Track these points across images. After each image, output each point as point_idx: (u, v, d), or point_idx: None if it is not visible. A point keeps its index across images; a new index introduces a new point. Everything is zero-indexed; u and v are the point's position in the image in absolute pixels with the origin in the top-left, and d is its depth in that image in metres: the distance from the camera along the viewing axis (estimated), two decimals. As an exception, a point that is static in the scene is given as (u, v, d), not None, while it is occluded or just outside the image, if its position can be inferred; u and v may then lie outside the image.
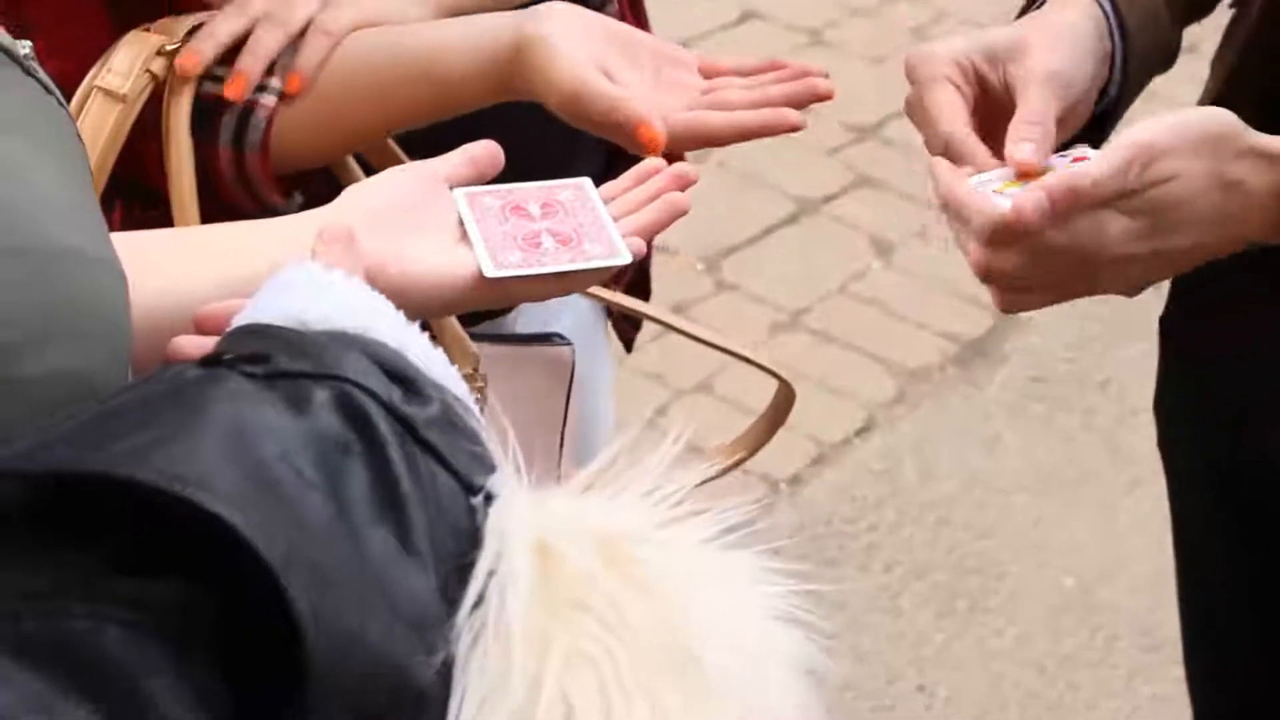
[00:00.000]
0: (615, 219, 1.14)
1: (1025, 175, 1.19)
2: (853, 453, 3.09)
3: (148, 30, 1.28)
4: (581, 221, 1.13)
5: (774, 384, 1.44)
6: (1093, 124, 1.34)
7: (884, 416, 3.16)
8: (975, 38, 1.29)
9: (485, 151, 1.15)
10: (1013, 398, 3.21)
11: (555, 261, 1.10)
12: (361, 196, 1.10)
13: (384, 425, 0.73)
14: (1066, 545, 2.93)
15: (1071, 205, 1.13)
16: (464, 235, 1.11)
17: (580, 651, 0.70)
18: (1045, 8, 1.32)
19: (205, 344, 0.87)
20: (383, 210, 1.08)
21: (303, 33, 1.29)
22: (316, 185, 1.31)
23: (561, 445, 1.35)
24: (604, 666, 0.69)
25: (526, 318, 1.45)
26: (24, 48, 0.93)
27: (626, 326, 1.66)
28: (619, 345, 1.75)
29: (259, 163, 1.27)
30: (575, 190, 1.16)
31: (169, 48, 1.27)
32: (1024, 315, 3.35)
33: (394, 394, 0.75)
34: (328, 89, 1.29)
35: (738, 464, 1.41)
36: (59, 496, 0.68)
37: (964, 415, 3.16)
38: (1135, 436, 3.10)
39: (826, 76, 1.27)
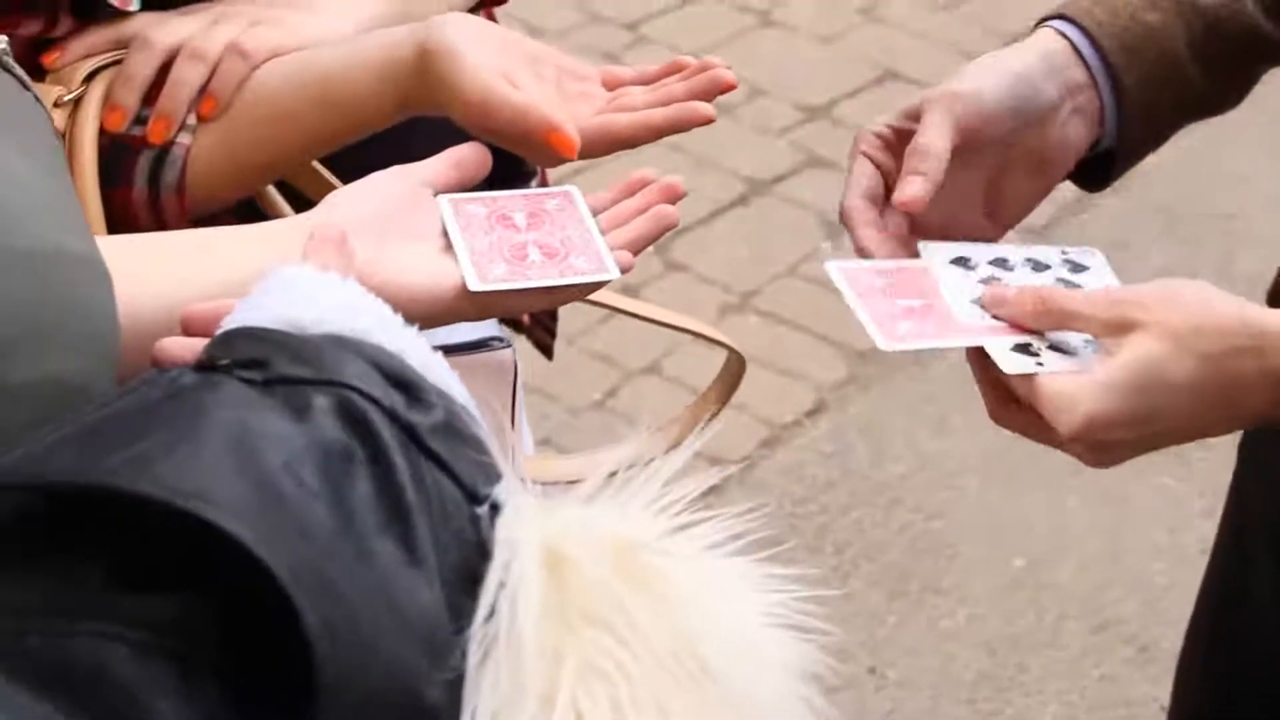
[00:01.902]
0: (604, 231, 1.12)
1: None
2: (803, 434, 3.08)
3: (41, 81, 1.22)
4: (569, 234, 1.11)
5: (722, 364, 1.43)
6: (1095, 163, 1.33)
7: (834, 398, 3.15)
8: (901, 103, 1.27)
9: (471, 155, 1.13)
10: (962, 379, 3.19)
11: (542, 276, 1.08)
12: (345, 203, 1.08)
13: (387, 432, 0.72)
14: (1016, 526, 2.94)
15: (1041, 304, 1.13)
16: (448, 245, 1.08)
17: (593, 665, 0.69)
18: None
19: (192, 345, 0.85)
20: (366, 217, 1.05)
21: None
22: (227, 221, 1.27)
23: (513, 448, 1.33)
24: (617, 680, 0.68)
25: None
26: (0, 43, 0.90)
27: (543, 333, 1.64)
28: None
29: (175, 204, 1.23)
30: (563, 199, 1.14)
31: (67, 98, 1.22)
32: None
33: (396, 400, 0.74)
34: (234, 119, 1.25)
35: (685, 436, 1.39)
36: (58, 509, 0.66)
37: (913, 397, 3.17)
38: (1084, 418, 3.11)
39: (728, 68, 1.25)
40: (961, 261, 1.20)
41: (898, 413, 3.14)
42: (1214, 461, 2.91)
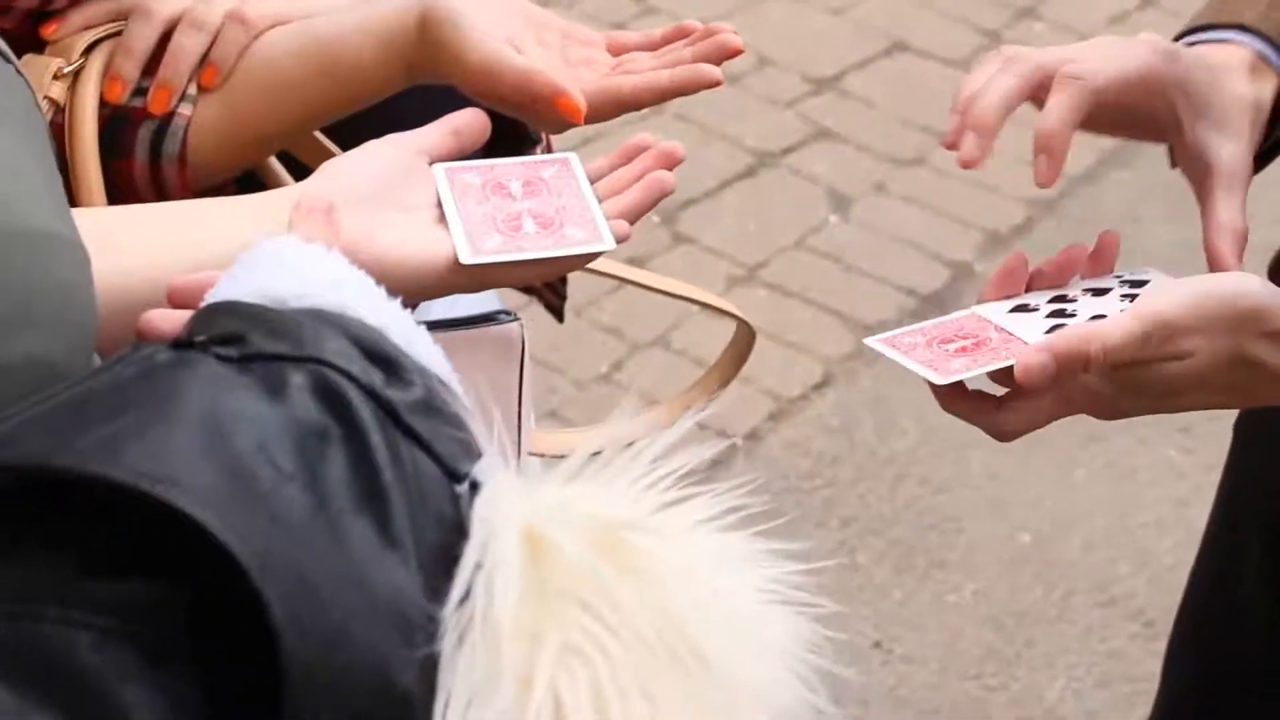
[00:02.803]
0: (601, 199, 1.11)
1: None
2: (810, 408, 3.07)
3: (40, 53, 1.21)
4: (565, 202, 1.09)
5: (729, 337, 1.41)
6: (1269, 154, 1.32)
7: (841, 371, 3.14)
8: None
9: (469, 121, 1.11)
10: (970, 353, 3.19)
11: (535, 247, 1.06)
12: (339, 172, 1.06)
13: (364, 410, 0.70)
14: (1023, 501, 2.93)
15: (1076, 369, 1.10)
16: (443, 215, 1.07)
17: (572, 647, 0.67)
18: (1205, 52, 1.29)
19: (178, 317, 0.84)
20: (360, 187, 1.04)
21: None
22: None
23: (520, 423, 1.32)
24: (598, 663, 0.67)
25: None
26: (-23, 12, 0.89)
27: (552, 296, 1.62)
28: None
29: (176, 174, 1.21)
30: (560, 166, 1.12)
31: (66, 70, 1.21)
32: (979, 268, 3.34)
33: (374, 377, 0.72)
34: (234, 89, 1.23)
35: (703, 403, 1.38)
36: (24, 491, 0.65)
37: (922, 370, 3.15)
38: (1093, 392, 3.09)
39: (735, 32, 1.24)
40: (1021, 309, 1.19)
41: (905, 386, 3.12)
42: (1222, 436, 2.89)
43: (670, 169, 1.14)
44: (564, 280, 1.64)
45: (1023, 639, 2.73)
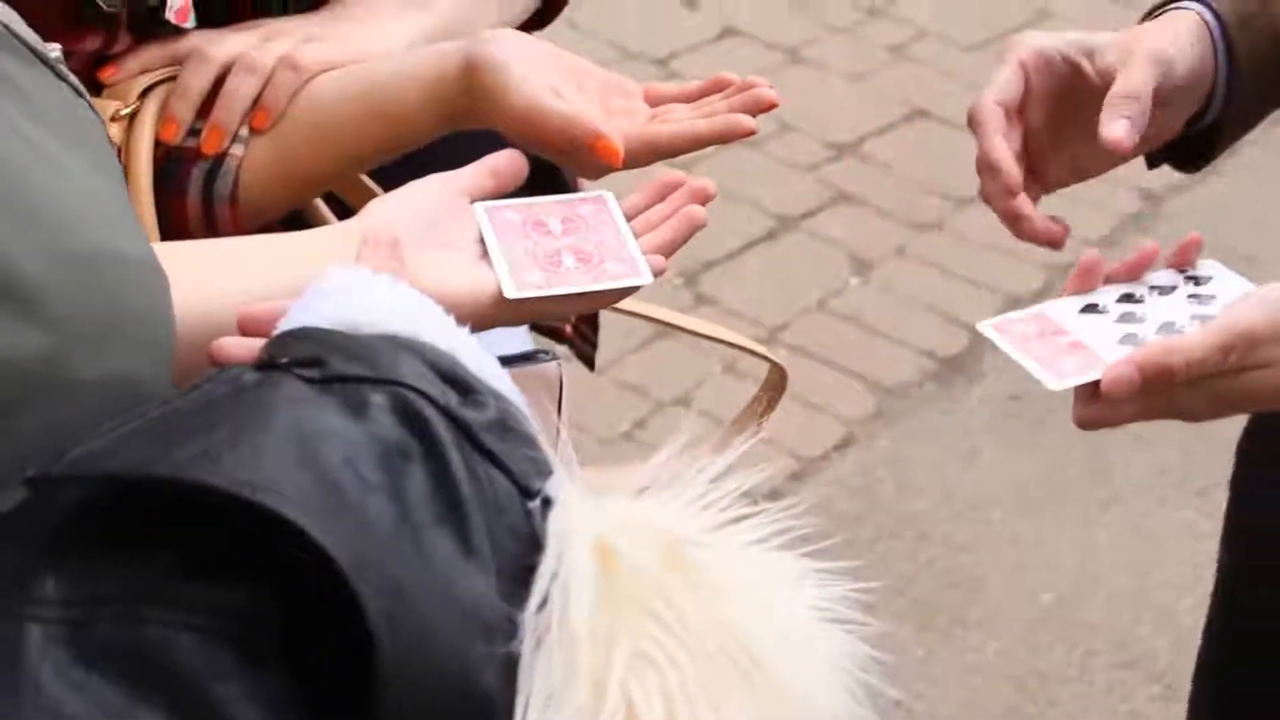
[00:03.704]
0: (636, 236, 1.14)
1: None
2: (831, 468, 3.09)
3: (98, 96, 1.24)
4: (603, 238, 1.13)
5: (750, 395, 1.44)
6: (1190, 140, 1.36)
7: (862, 432, 3.16)
8: (1078, 34, 1.32)
9: (507, 162, 1.15)
10: (990, 415, 3.22)
11: (576, 282, 1.10)
12: (385, 211, 1.09)
13: (442, 429, 0.73)
14: (1044, 561, 2.94)
15: (1162, 383, 1.14)
16: (484, 252, 1.10)
17: (643, 654, 0.70)
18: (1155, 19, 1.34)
19: (248, 344, 0.87)
20: (405, 225, 1.07)
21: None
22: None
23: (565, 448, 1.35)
24: (667, 670, 0.70)
25: None
26: (53, 51, 0.92)
27: (585, 346, 1.65)
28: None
29: (228, 214, 1.25)
30: (596, 204, 1.15)
31: (124, 112, 1.25)
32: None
33: (450, 398, 0.75)
34: (284, 132, 1.27)
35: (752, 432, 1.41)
36: (127, 500, 0.68)
37: (942, 431, 3.17)
38: (1113, 454, 3.11)
39: (771, 87, 1.27)
40: (1091, 309, 1.23)
41: (925, 447, 3.15)
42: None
43: (703, 204, 1.17)
44: (595, 329, 1.67)
45: (1045, 699, 2.74)
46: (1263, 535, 1.63)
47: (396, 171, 1.23)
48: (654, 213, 1.17)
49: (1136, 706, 2.74)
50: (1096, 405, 1.16)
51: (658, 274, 1.13)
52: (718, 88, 1.28)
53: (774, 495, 2.69)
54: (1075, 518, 3.01)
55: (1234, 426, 1.81)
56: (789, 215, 3.65)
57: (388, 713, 0.66)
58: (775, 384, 1.39)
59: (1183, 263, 1.27)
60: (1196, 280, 1.26)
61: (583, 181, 1.61)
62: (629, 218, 1.17)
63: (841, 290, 3.47)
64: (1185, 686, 2.76)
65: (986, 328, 1.22)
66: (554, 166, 1.32)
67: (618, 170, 1.22)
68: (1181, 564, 2.95)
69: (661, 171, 1.23)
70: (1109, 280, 1.25)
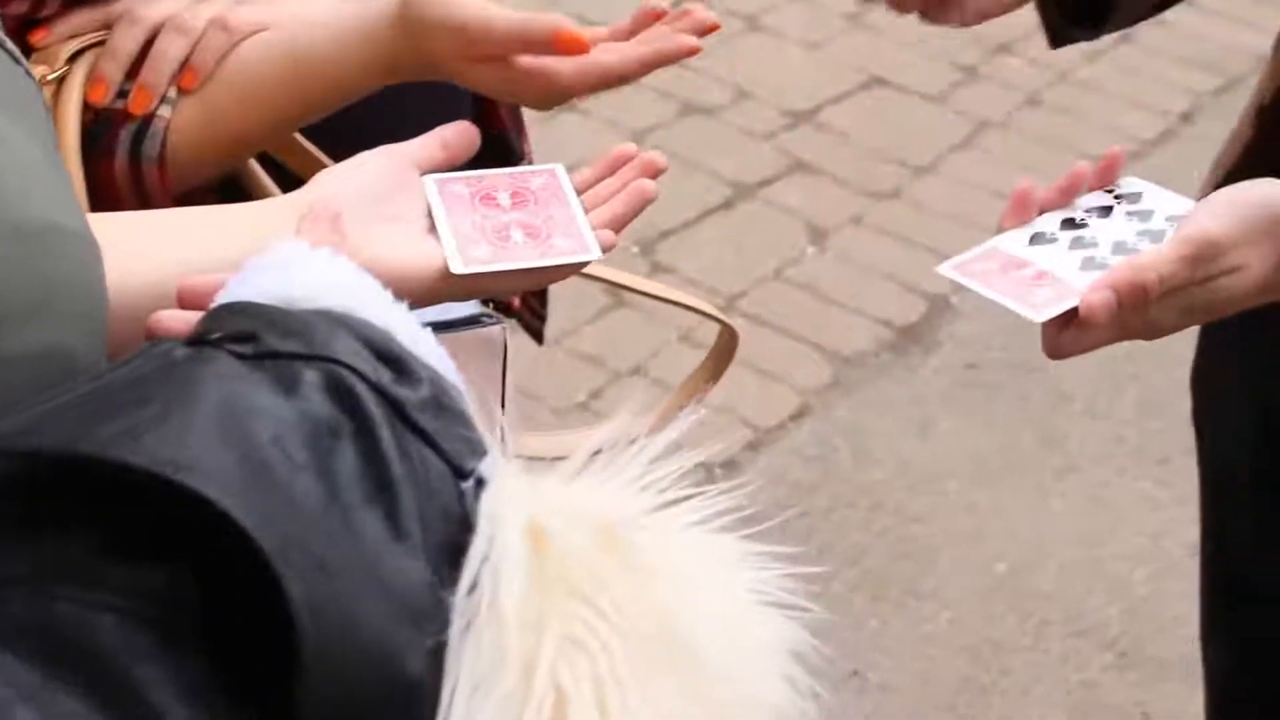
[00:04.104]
0: (586, 210, 1.13)
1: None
2: (787, 438, 3.09)
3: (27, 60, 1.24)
4: (552, 213, 1.12)
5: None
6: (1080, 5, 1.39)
7: (818, 402, 3.16)
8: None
9: (458, 133, 1.13)
10: (946, 384, 3.22)
11: (524, 257, 1.09)
12: (332, 183, 1.08)
13: (374, 407, 0.72)
14: (998, 531, 2.95)
15: (1138, 302, 1.16)
16: (433, 225, 1.09)
17: (574, 638, 0.69)
18: None
19: (187, 318, 0.86)
20: (353, 198, 1.06)
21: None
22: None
23: (502, 425, 1.34)
24: (598, 655, 0.69)
25: None
26: (-11, 18, 0.91)
27: (534, 320, 1.64)
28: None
29: (156, 176, 1.23)
30: (548, 177, 1.14)
31: (51, 77, 1.23)
32: (955, 300, 3.36)
33: (383, 375, 0.74)
34: (211, 92, 1.25)
35: (682, 409, 1.40)
36: (48, 477, 0.67)
37: (898, 401, 3.18)
38: (1067, 424, 3.12)
39: (708, 11, 1.25)
40: (1039, 238, 1.25)
41: (881, 417, 3.15)
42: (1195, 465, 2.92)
43: (653, 178, 1.16)
44: (544, 302, 1.66)
45: (998, 668, 2.74)
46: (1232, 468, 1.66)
47: (349, 142, 1.21)
48: (604, 187, 1.16)
49: (1090, 675, 2.75)
50: (1070, 332, 1.18)
51: (607, 250, 1.12)
52: (648, 18, 1.25)
53: (730, 465, 2.69)
54: (1029, 487, 3.02)
55: (1187, 400, 1.81)
56: (746, 184, 3.64)
57: (310, 698, 0.65)
58: (726, 347, 1.38)
59: (1108, 180, 1.29)
60: (1130, 198, 1.28)
61: (534, 156, 1.60)
62: (579, 192, 1.15)
63: (798, 259, 3.47)
64: (1139, 654, 2.79)
65: (950, 271, 1.22)
66: (505, 144, 1.31)
67: (579, 82, 1.19)
68: (1137, 534, 2.96)
69: (615, 146, 1.22)
70: (1044, 208, 1.27)
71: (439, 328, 1.28)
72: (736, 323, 1.38)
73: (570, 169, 1.17)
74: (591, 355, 3.19)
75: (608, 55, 1.21)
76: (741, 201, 3.60)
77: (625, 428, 1.30)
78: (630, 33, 1.25)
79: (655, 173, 1.16)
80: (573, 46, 1.17)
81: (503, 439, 0.77)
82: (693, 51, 1.21)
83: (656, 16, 1.24)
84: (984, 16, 1.41)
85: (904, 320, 3.34)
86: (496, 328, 1.30)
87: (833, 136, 3.78)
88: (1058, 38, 1.51)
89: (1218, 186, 1.53)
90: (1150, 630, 2.80)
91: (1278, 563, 1.64)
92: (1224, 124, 1.73)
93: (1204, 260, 1.16)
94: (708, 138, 3.72)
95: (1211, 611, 1.77)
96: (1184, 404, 1.83)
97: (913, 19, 1.42)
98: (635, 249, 3.40)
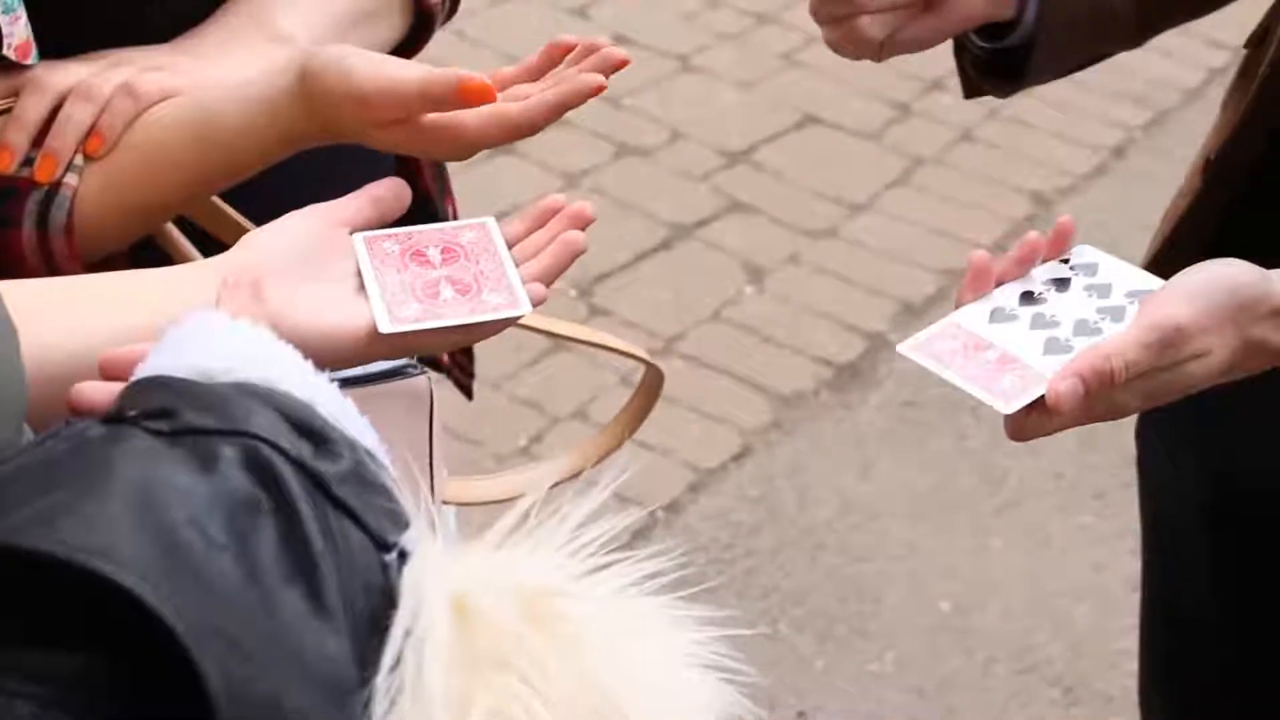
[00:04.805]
0: (518, 263, 1.12)
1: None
2: (729, 479, 3.09)
3: None
4: (483, 268, 1.11)
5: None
6: (999, 55, 1.41)
7: (760, 442, 3.16)
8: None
9: (389, 191, 1.12)
10: (886, 422, 3.22)
11: (454, 314, 1.08)
12: (260, 244, 1.07)
13: (294, 482, 0.71)
14: (941, 569, 2.95)
15: (1104, 388, 1.16)
16: (363, 284, 1.08)
17: (502, 713, 0.68)
18: None
19: (109, 389, 0.85)
20: (281, 259, 1.05)
21: None
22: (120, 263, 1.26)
23: (432, 475, 1.33)
24: (527, 728, 0.68)
25: None
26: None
27: (463, 376, 1.63)
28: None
29: (64, 246, 1.21)
30: (479, 231, 1.14)
31: None
32: (893, 338, 3.37)
33: (303, 449, 0.73)
34: (115, 159, 1.23)
35: (609, 452, 1.39)
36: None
37: (839, 440, 3.18)
38: (1007, 460, 3.13)
39: (616, 47, 1.23)
40: (999, 314, 1.24)
41: (822, 456, 3.15)
42: (1135, 500, 2.93)
43: (582, 229, 1.15)
44: (471, 359, 1.65)
45: (944, 706, 2.74)
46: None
47: (279, 204, 1.20)
48: (534, 240, 1.15)
49: (1035, 711, 2.75)
50: (1036, 417, 1.18)
51: (537, 303, 1.11)
52: (555, 54, 1.22)
53: (672, 507, 2.68)
54: (971, 526, 3.03)
55: (1126, 431, 1.82)
56: (682, 224, 3.64)
57: (233, 783, 0.64)
58: (652, 386, 1.38)
59: (1060, 249, 1.29)
60: (1086, 270, 1.28)
61: (459, 201, 1.59)
62: (511, 245, 1.14)
63: (737, 299, 3.47)
64: (1083, 690, 2.80)
65: (911, 352, 1.22)
66: (428, 204, 1.30)
67: (488, 133, 1.17)
68: (1077, 568, 2.97)
69: (546, 196, 1.21)
70: (1000, 279, 1.26)
71: (363, 380, 1.28)
72: (675, 364, 1.38)
73: (504, 213, 1.17)
74: (531, 400, 3.18)
75: (514, 106, 1.18)
76: (678, 242, 3.60)
77: (559, 467, 1.30)
78: (539, 70, 1.23)
79: (584, 224, 1.16)
80: (480, 95, 1.15)
81: (427, 506, 0.76)
82: (600, 89, 1.18)
83: (565, 51, 1.22)
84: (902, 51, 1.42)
85: (843, 359, 3.35)
86: (421, 378, 1.29)
87: (768, 176, 3.79)
88: (971, 89, 1.52)
89: (1168, 238, 1.55)
90: (1095, 665, 2.81)
91: (1224, 619, 1.65)
92: (1154, 158, 1.75)
93: (1170, 346, 1.17)
94: (643, 179, 3.73)
95: (1152, 666, 1.78)
96: (1121, 438, 1.84)
97: (847, 60, 1.43)
98: (573, 292, 3.39)
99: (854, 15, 1.37)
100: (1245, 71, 1.51)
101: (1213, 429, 1.59)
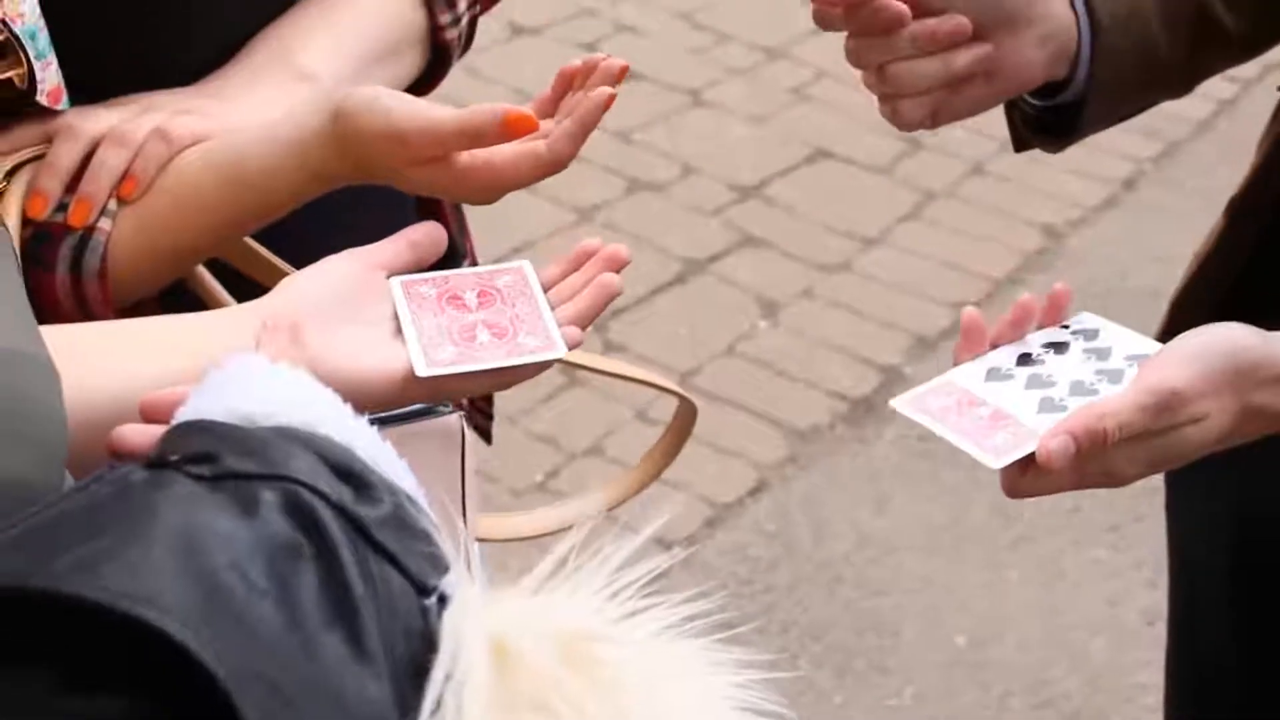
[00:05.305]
0: (553, 306, 1.13)
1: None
2: (746, 514, 3.09)
3: None
4: (519, 311, 1.12)
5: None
6: (1050, 112, 1.40)
7: (775, 477, 3.16)
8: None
9: (426, 235, 1.13)
10: (901, 456, 3.23)
11: (490, 357, 1.08)
12: (298, 288, 1.08)
13: (334, 527, 0.72)
14: (956, 604, 2.95)
15: (1096, 448, 1.15)
16: (399, 328, 1.09)
17: (543, 756, 0.69)
18: None
19: (150, 432, 0.85)
20: (319, 303, 1.06)
21: None
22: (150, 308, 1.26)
23: (465, 511, 1.33)
24: (568, 771, 0.68)
25: None
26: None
27: (482, 419, 1.64)
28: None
29: (98, 290, 1.22)
30: (514, 275, 1.14)
31: None
32: (908, 371, 3.38)
33: (344, 494, 0.74)
34: (148, 203, 1.24)
35: (643, 487, 1.40)
36: (7, 611, 0.66)
37: (854, 474, 3.18)
38: (1023, 493, 3.12)
39: (613, 57, 1.21)
40: (995, 373, 1.24)
41: (838, 490, 3.15)
42: (1148, 533, 2.93)
43: (617, 271, 1.16)
44: (490, 401, 1.66)
45: (961, 740, 2.74)
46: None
47: (317, 246, 1.20)
48: (570, 282, 1.16)
49: (1052, 745, 2.75)
50: (1030, 475, 1.17)
51: (573, 346, 1.12)
52: (564, 83, 1.23)
53: (690, 541, 2.68)
54: (986, 560, 3.02)
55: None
56: (695, 259, 3.65)
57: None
58: (685, 420, 1.38)
59: (1055, 315, 1.28)
60: (1086, 335, 1.27)
61: (475, 244, 1.59)
62: (546, 288, 1.15)
63: (751, 334, 3.48)
64: (1100, 723, 2.79)
65: (905, 408, 1.21)
66: (450, 245, 1.30)
67: (535, 130, 1.17)
68: (1092, 601, 2.96)
69: (560, 239, 1.21)
70: (995, 342, 1.26)
71: (396, 419, 1.28)
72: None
73: (518, 249, 1.17)
74: (548, 435, 3.18)
75: (540, 143, 1.18)
76: (692, 277, 3.61)
77: (569, 510, 1.30)
78: (554, 101, 1.23)
79: (619, 266, 1.16)
80: (524, 125, 1.15)
81: (466, 550, 0.76)
82: (611, 99, 1.18)
83: (573, 77, 1.22)
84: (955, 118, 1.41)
85: (857, 392, 3.35)
86: (453, 416, 1.30)
87: (780, 210, 3.80)
88: (1021, 144, 1.50)
89: (1195, 273, 1.54)
90: (1111, 699, 2.80)
91: (1248, 670, 1.64)
92: (1165, 190, 1.76)
93: (1166, 410, 1.15)
94: (656, 214, 3.74)
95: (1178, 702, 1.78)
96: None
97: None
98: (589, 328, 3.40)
99: (895, 98, 1.35)
100: (1277, 114, 1.52)
101: (1242, 472, 1.58)
